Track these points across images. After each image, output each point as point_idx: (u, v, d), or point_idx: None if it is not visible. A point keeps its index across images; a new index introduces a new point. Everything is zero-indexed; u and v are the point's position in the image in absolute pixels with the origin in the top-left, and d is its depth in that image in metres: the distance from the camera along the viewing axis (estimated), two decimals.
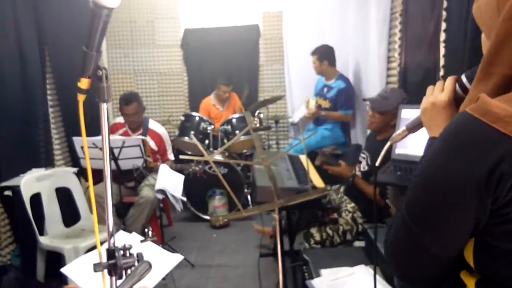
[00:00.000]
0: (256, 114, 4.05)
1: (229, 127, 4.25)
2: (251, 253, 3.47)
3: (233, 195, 1.72)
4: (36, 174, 3.03)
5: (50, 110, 3.72)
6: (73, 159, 3.85)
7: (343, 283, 1.87)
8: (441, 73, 2.53)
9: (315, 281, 1.89)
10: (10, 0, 3.10)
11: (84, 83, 0.89)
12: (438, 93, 0.92)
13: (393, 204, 2.33)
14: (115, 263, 0.99)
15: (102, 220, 3.47)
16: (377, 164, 1.16)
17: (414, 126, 1.02)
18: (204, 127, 4.23)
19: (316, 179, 2.61)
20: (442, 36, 2.46)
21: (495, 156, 0.67)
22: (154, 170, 3.31)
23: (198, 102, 4.99)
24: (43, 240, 2.86)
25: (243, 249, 3.62)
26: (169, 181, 3.03)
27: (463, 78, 0.89)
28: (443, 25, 2.45)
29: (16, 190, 2.83)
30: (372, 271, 1.94)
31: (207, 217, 4.17)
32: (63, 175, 3.20)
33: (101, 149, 3.09)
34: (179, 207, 3.10)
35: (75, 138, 3.20)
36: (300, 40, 4.96)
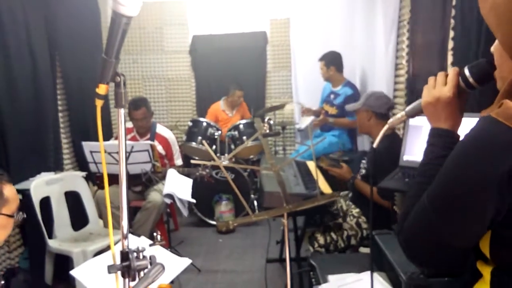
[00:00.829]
0: (266, 120, 4.08)
1: (236, 132, 4.28)
2: (257, 258, 3.48)
3: (242, 199, 1.73)
4: (46, 178, 3.06)
5: (60, 115, 3.77)
6: (81, 164, 3.88)
7: None
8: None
9: (322, 287, 1.89)
10: (22, 9, 3.16)
11: (102, 89, 0.91)
12: (441, 86, 0.94)
13: (399, 210, 2.34)
14: (129, 265, 1.00)
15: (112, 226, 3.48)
16: (374, 145, 1.18)
17: (414, 113, 1.05)
18: (212, 133, 4.25)
19: (324, 186, 2.63)
20: (450, 44, 2.47)
21: None
22: (162, 174, 3.34)
23: (205, 107, 5.03)
24: (51, 243, 2.88)
25: (249, 254, 3.62)
26: (177, 185, 3.06)
27: (466, 72, 0.92)
28: (451, 33, 2.46)
29: (26, 193, 2.86)
30: (380, 278, 1.95)
31: (214, 222, 4.18)
32: (72, 179, 3.23)
33: (110, 153, 3.13)
34: (185, 212, 3.12)
35: (84, 143, 3.23)
36: (307, 47, 4.98)
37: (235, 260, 3.56)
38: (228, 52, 5.22)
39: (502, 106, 0.77)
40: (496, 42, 0.84)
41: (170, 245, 3.43)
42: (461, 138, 0.87)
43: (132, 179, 3.32)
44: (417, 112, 1.03)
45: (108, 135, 4.34)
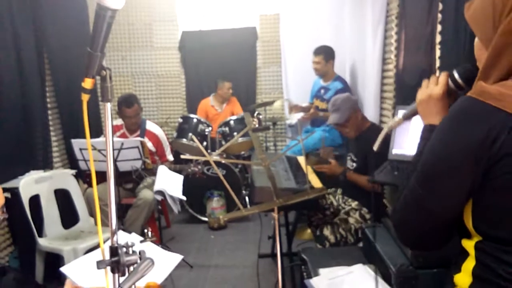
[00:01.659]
0: (255, 114, 4.08)
1: (226, 129, 4.27)
2: (249, 254, 3.49)
3: (233, 194, 1.74)
4: (35, 176, 3.03)
5: (49, 112, 3.73)
6: (71, 161, 3.86)
7: (341, 281, 1.88)
8: (437, 74, 2.55)
9: (314, 280, 1.91)
10: (8, 4, 3.11)
11: (88, 83, 0.90)
12: (433, 86, 1.06)
13: (390, 204, 2.36)
14: (118, 260, 1.00)
15: (101, 222, 3.46)
16: (375, 148, 1.22)
17: (410, 115, 1.15)
18: (202, 129, 4.24)
19: (314, 180, 2.64)
20: (438, 38, 2.49)
21: (489, 124, 0.83)
22: (152, 171, 3.33)
23: (195, 104, 5.01)
24: (42, 241, 2.86)
25: (241, 250, 3.63)
26: (168, 182, 3.05)
27: (455, 74, 1.04)
28: (439, 27, 2.48)
29: (14, 192, 2.84)
30: (369, 270, 1.97)
31: (205, 219, 4.18)
32: (61, 177, 3.21)
33: (100, 151, 3.10)
34: (176, 209, 3.11)
35: (73, 141, 3.21)
36: (297, 42, 4.99)
37: (227, 256, 3.57)
38: (218, 48, 5.20)
39: (476, 86, 0.89)
40: (476, 39, 0.96)
41: (161, 242, 3.42)
42: None
43: (123, 176, 3.30)
44: (413, 114, 1.14)
45: (97, 132, 4.31)
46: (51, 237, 2.97)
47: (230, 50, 5.21)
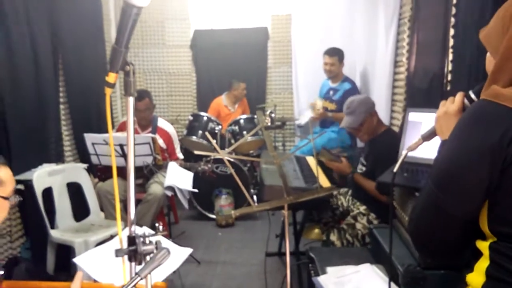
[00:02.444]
0: (267, 113, 4.10)
1: (236, 127, 4.30)
2: (256, 252, 3.51)
3: (245, 190, 1.76)
4: (48, 169, 3.08)
5: (61, 107, 3.79)
6: (82, 156, 3.91)
7: (348, 280, 1.91)
8: (449, 78, 2.57)
9: (321, 278, 1.93)
10: (24, 2, 3.16)
11: (112, 78, 0.93)
12: (450, 104, 1.08)
13: (400, 205, 2.37)
14: (136, 250, 1.03)
15: (110, 216, 3.52)
16: (394, 170, 1.23)
17: (429, 135, 1.16)
18: (212, 127, 4.28)
19: (323, 180, 2.66)
20: (451, 42, 2.49)
21: (505, 125, 0.85)
22: (163, 167, 3.37)
23: (206, 102, 5.05)
24: (54, 233, 2.91)
25: (248, 248, 3.66)
26: (178, 177, 3.09)
27: (471, 94, 1.05)
28: (452, 31, 2.49)
29: (28, 184, 2.89)
30: (377, 270, 1.98)
31: (213, 216, 4.22)
32: (74, 170, 3.26)
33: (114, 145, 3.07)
34: (186, 204, 3.15)
35: (86, 135, 3.25)
36: (308, 43, 5.01)
37: (235, 253, 3.60)
38: (229, 47, 5.24)
39: (489, 89, 0.91)
40: (488, 54, 1.01)
41: (171, 237, 3.46)
42: None
43: (134, 171, 3.34)
44: (432, 134, 1.15)
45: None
46: (63, 229, 3.02)
47: (241, 49, 5.24)
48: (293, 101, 5.29)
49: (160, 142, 3.64)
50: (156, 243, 1.07)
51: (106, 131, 4.06)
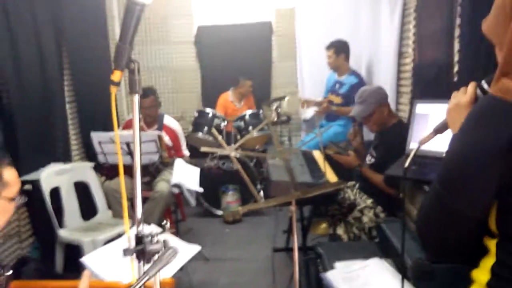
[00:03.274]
0: (274, 108, 4.09)
1: (242, 123, 4.29)
2: (264, 248, 3.51)
3: (252, 186, 1.76)
4: (56, 168, 3.10)
5: (67, 106, 3.80)
6: (89, 154, 3.92)
7: (357, 275, 1.89)
8: (456, 68, 2.53)
9: (329, 274, 1.92)
10: (29, 3, 3.16)
11: (117, 76, 0.93)
12: (462, 95, 1.03)
13: (409, 198, 2.35)
14: (143, 249, 1.03)
15: (118, 215, 3.52)
16: (405, 165, 1.21)
17: (440, 128, 1.11)
18: (218, 123, 4.28)
19: (330, 174, 2.65)
20: (457, 31, 2.46)
21: None
22: (169, 164, 3.37)
23: (211, 98, 5.04)
24: (62, 232, 2.93)
25: (256, 244, 3.66)
26: (185, 175, 3.09)
27: (484, 84, 1.00)
28: (458, 21, 2.45)
29: (36, 184, 2.90)
30: (386, 264, 1.97)
31: (220, 212, 4.22)
32: (81, 169, 3.27)
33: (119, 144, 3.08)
34: (193, 201, 3.16)
35: (93, 134, 3.26)
36: (312, 36, 4.97)
37: (242, 249, 3.60)
38: (233, 42, 5.22)
39: (499, 83, 0.86)
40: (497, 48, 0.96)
41: (178, 234, 3.46)
42: None
43: (140, 169, 3.34)
44: (444, 127, 1.10)
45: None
46: (71, 229, 3.03)
47: (245, 44, 5.22)
48: (299, 95, 5.26)
49: (166, 139, 3.64)
50: (163, 241, 1.07)
51: (112, 129, 4.06)
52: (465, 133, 0.89)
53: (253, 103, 4.95)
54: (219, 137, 1.86)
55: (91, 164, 3.35)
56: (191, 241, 3.36)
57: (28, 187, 3.02)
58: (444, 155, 0.92)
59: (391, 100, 3.65)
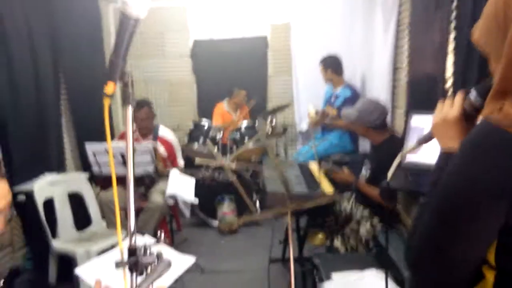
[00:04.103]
0: (269, 120, 4.10)
1: (238, 135, 4.30)
2: (260, 259, 3.48)
3: (247, 197, 1.75)
4: (49, 179, 3.08)
5: (62, 116, 3.79)
6: (83, 165, 3.90)
7: (354, 286, 1.89)
8: (450, 82, 2.55)
9: (326, 284, 1.91)
10: (24, 12, 3.16)
11: (110, 88, 0.93)
12: (448, 108, 0.95)
13: (404, 210, 2.35)
14: (136, 261, 1.02)
15: (112, 225, 3.49)
16: (388, 177, 1.18)
17: (425, 140, 1.07)
18: (213, 135, 4.28)
19: (326, 185, 2.65)
20: (452, 45, 2.49)
21: None
22: (164, 175, 3.36)
23: (207, 111, 5.05)
24: (55, 243, 2.90)
25: (251, 255, 3.63)
26: (180, 186, 3.07)
27: (472, 95, 0.92)
28: (453, 34, 2.48)
29: (29, 194, 2.88)
30: (383, 275, 1.96)
31: (216, 224, 4.19)
32: (75, 180, 3.25)
33: (114, 155, 3.09)
34: (188, 213, 3.14)
35: (87, 144, 3.24)
36: (307, 51, 5.01)
37: (238, 260, 3.57)
38: (229, 56, 5.24)
39: (503, 112, 0.76)
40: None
41: (173, 245, 3.44)
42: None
43: (135, 180, 3.32)
44: (428, 139, 1.05)
45: (111, 136, 4.35)
46: (65, 239, 3.01)
47: (241, 59, 5.24)
48: (294, 109, 5.28)
49: (162, 150, 3.63)
50: (157, 254, 1.06)
51: (106, 140, 4.05)
52: (465, 167, 0.79)
53: (247, 113, 4.95)
54: (214, 149, 1.86)
55: (86, 175, 3.33)
56: (187, 252, 3.33)
57: (21, 197, 3.00)
58: (440, 186, 0.84)
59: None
